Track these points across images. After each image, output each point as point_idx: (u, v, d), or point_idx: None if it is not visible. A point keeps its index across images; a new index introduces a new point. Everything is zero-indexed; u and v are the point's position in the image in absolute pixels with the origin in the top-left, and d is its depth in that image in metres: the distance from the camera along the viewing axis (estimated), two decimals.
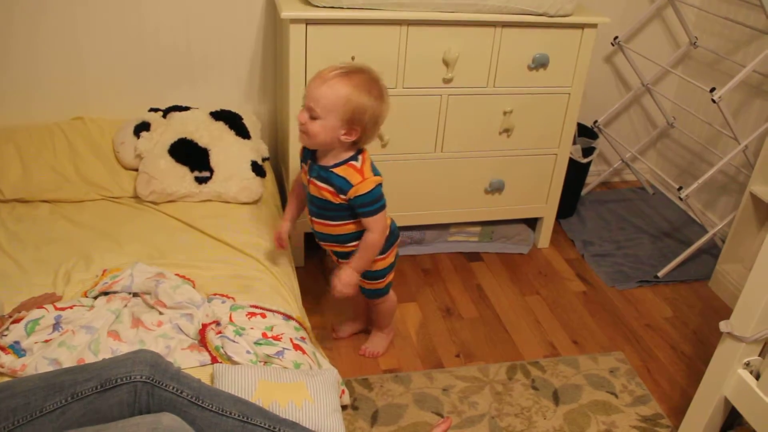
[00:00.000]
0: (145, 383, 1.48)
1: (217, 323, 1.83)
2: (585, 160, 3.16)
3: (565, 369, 2.42)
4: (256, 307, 1.95)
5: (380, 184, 1.96)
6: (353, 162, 1.92)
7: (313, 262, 2.88)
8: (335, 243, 2.10)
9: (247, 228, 2.38)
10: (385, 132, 2.59)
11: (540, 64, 2.61)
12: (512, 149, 2.80)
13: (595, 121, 3.37)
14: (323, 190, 1.97)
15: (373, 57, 2.44)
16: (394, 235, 2.18)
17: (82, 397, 1.45)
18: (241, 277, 2.12)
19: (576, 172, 3.17)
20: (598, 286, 2.89)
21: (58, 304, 1.84)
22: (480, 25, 2.50)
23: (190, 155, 2.49)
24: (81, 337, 1.75)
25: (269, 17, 2.78)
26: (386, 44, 2.45)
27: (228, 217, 2.42)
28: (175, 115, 2.62)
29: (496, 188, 2.85)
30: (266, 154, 2.77)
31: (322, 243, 2.15)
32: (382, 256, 2.14)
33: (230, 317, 1.87)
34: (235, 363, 1.74)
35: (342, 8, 2.35)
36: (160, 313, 1.86)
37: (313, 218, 2.08)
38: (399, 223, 2.84)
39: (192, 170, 2.49)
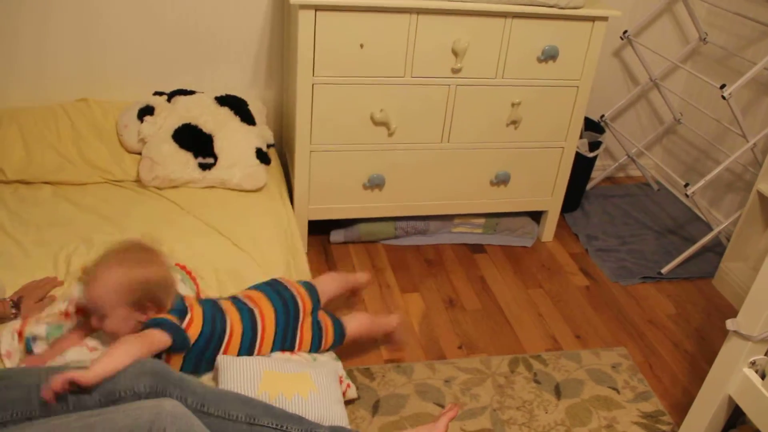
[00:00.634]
0: (149, 394, 1.46)
1: None
2: (591, 154, 3.14)
3: (567, 363, 2.41)
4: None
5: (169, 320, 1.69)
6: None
7: (316, 249, 2.87)
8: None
9: (250, 217, 2.37)
10: (392, 121, 2.58)
11: (549, 56, 2.59)
12: (519, 141, 2.78)
13: (602, 116, 3.35)
14: None
15: (383, 44, 2.43)
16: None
17: (84, 408, 1.43)
18: (239, 268, 2.12)
19: (582, 166, 3.15)
20: (601, 281, 2.88)
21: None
22: (490, 15, 2.47)
23: (194, 141, 2.48)
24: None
25: (277, 2, 2.76)
26: (396, 32, 2.43)
27: (231, 205, 2.41)
28: (180, 99, 2.60)
29: (501, 180, 2.84)
30: (271, 141, 2.75)
31: None
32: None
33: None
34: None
35: None
36: None
37: None
38: (403, 213, 2.86)
39: (196, 156, 2.47)
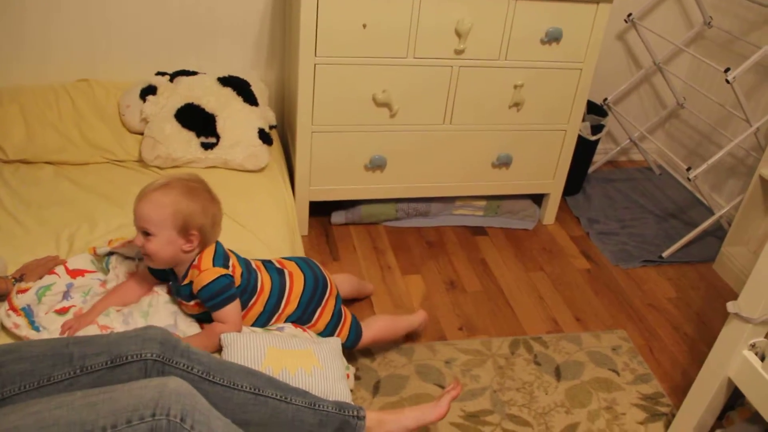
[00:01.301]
0: (155, 361, 1.47)
1: None
2: (594, 138, 3.14)
3: (568, 345, 2.42)
4: None
5: (225, 276, 1.74)
6: (192, 263, 1.75)
7: (317, 231, 2.87)
8: None
9: (252, 197, 2.36)
10: (394, 102, 2.57)
11: (553, 38, 2.58)
12: (521, 123, 2.77)
13: (605, 99, 3.34)
14: (194, 306, 1.79)
15: (385, 25, 2.42)
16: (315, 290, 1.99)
17: (91, 371, 1.45)
18: (243, 246, 2.10)
19: (584, 150, 3.15)
20: (602, 264, 2.88)
21: (70, 266, 1.83)
22: None
23: (197, 120, 2.47)
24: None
25: None
26: (399, 12, 2.42)
27: (233, 185, 2.40)
28: (182, 80, 2.59)
29: (503, 162, 2.83)
30: (273, 122, 2.74)
31: None
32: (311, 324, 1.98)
33: None
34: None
35: None
36: None
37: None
38: (404, 195, 2.86)
39: (198, 136, 2.47)
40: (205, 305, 1.74)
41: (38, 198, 2.23)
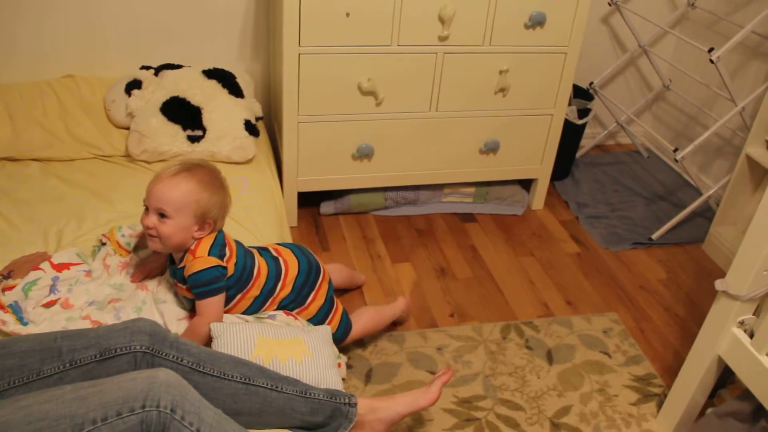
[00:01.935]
0: (145, 353, 1.48)
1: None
2: (581, 122, 3.14)
3: (559, 329, 2.43)
4: None
5: (217, 267, 1.74)
6: (189, 248, 1.76)
7: (306, 221, 2.86)
8: None
9: (239, 189, 2.36)
10: (379, 90, 2.57)
11: (537, 22, 2.58)
12: (508, 109, 2.77)
13: (591, 83, 3.35)
14: (188, 290, 1.78)
15: (368, 13, 2.41)
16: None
17: (80, 364, 1.45)
18: (234, 238, 2.10)
19: (571, 134, 3.15)
20: (592, 248, 2.89)
21: (55, 261, 1.83)
22: None
23: (183, 113, 2.46)
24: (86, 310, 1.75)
25: None
26: (382, 0, 2.41)
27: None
28: (168, 74, 2.58)
29: (491, 148, 2.83)
30: (260, 114, 2.73)
31: None
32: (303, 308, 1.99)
33: None
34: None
35: None
36: None
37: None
38: (393, 183, 2.85)
39: (184, 129, 2.46)
40: (191, 291, 1.74)
41: (25, 195, 2.22)
